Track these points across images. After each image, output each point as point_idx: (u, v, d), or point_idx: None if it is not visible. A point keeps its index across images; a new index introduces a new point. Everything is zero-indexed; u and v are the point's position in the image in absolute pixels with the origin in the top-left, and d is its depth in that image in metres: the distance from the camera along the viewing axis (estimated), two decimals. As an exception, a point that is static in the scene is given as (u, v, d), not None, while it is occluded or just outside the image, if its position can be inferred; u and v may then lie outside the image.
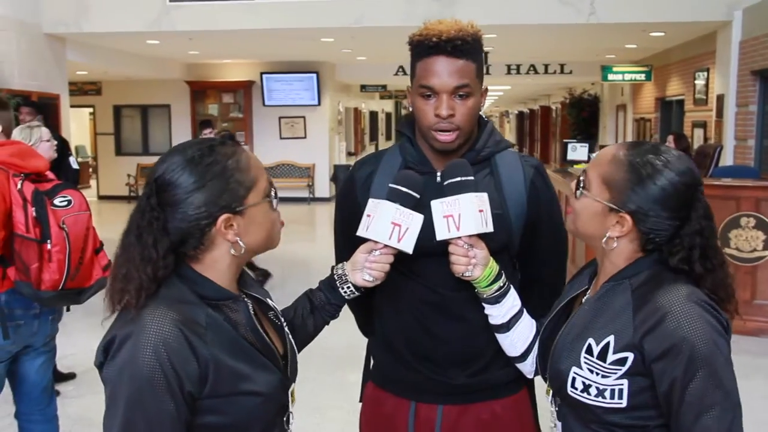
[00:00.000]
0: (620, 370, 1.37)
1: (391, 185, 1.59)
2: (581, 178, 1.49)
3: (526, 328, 1.67)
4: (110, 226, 6.16)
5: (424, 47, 1.65)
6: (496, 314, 1.65)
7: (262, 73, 14.81)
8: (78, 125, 16.87)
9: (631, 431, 1.40)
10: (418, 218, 1.56)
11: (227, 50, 13.05)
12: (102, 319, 1.36)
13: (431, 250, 1.62)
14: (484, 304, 1.65)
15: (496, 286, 1.61)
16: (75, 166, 6.58)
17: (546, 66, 15.29)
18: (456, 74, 1.63)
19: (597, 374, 1.39)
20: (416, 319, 1.75)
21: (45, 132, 4.05)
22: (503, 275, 1.63)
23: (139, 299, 1.28)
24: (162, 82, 14.89)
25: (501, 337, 1.68)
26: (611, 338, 1.38)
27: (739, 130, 8.81)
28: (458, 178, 1.57)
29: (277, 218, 1.46)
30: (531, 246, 1.78)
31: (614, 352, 1.37)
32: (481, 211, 1.55)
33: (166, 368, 1.23)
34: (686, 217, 1.39)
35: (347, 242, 1.76)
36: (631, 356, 1.36)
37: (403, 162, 1.77)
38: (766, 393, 4.47)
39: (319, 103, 14.95)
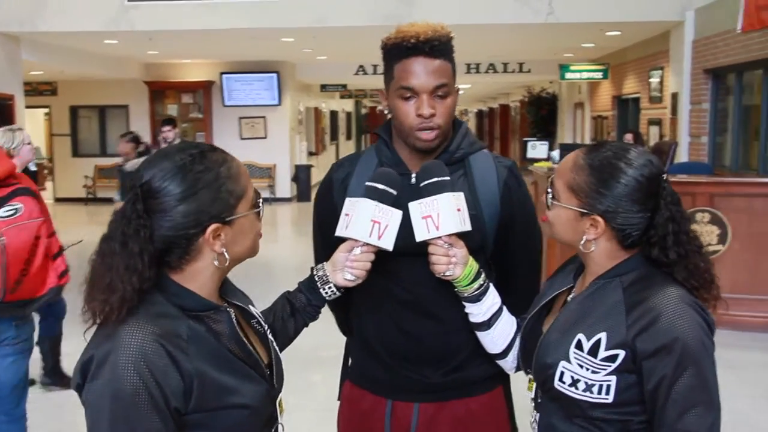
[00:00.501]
0: (610, 366, 1.40)
1: (368, 183, 1.60)
2: (549, 189, 1.53)
3: (507, 325, 1.68)
4: (68, 229, 6.05)
5: (401, 49, 1.66)
6: (477, 312, 1.66)
7: (221, 73, 14.70)
8: (33, 126, 16.50)
9: (613, 426, 1.43)
10: (397, 214, 1.56)
11: (187, 50, 12.92)
12: (84, 329, 1.28)
13: (407, 251, 1.63)
14: (464, 303, 1.66)
15: (476, 285, 1.62)
16: (33, 168, 6.47)
17: (505, 65, 15.44)
18: (435, 74, 1.65)
19: (587, 369, 1.41)
20: (392, 318, 1.76)
21: (27, 135, 4.04)
22: (482, 274, 1.65)
23: (120, 312, 1.23)
24: (120, 82, 14.65)
25: (482, 335, 1.70)
26: (603, 335, 1.41)
27: (693, 127, 9.03)
28: (435, 179, 1.58)
29: (260, 228, 1.43)
30: (505, 245, 1.79)
31: (606, 349, 1.40)
32: (458, 210, 1.56)
33: (150, 385, 1.18)
34: (655, 206, 1.42)
35: (326, 244, 1.77)
36: (622, 353, 1.39)
37: (379, 164, 1.77)
38: (723, 383, 4.59)
39: (280, 103, 14.89)
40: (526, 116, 19.67)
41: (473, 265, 1.62)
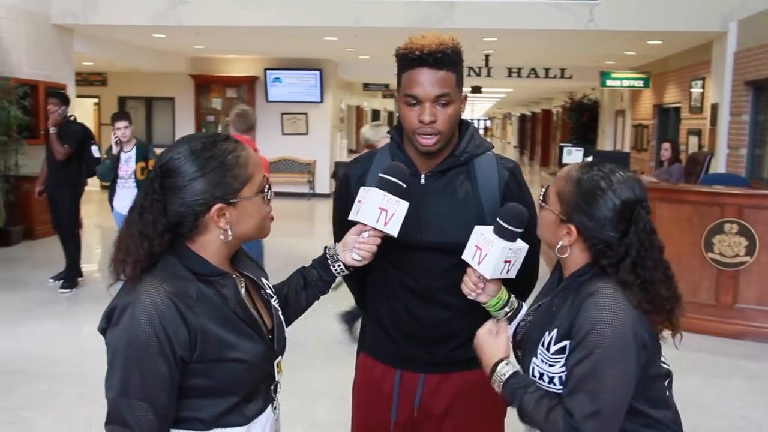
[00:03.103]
0: (562, 358, 1.51)
1: (380, 175, 1.77)
2: (543, 191, 1.67)
3: None
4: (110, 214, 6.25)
5: (408, 60, 1.82)
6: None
7: (265, 69, 14.95)
8: (83, 115, 16.92)
9: None
10: (403, 205, 1.72)
11: (232, 45, 13.21)
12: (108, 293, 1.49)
13: (417, 245, 1.81)
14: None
15: (502, 313, 1.78)
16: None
17: (547, 70, 15.44)
18: (437, 84, 1.80)
19: (545, 363, 1.55)
20: (403, 304, 1.95)
21: (385, 130, 4.83)
22: (511, 302, 1.79)
23: (135, 270, 1.43)
24: (167, 75, 15.04)
25: None
26: (555, 331, 1.54)
27: (732, 138, 8.97)
28: (512, 228, 1.70)
29: (269, 212, 1.60)
30: None
31: (555, 342, 1.53)
32: (507, 261, 1.70)
33: (160, 334, 1.37)
34: (626, 230, 1.52)
35: (343, 232, 1.92)
36: (567, 344, 1.50)
37: None
38: (741, 392, 4.65)
39: (322, 101, 15.08)
40: (567, 122, 19.60)
41: (502, 296, 1.77)
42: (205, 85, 15.34)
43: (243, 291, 1.59)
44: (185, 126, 15.07)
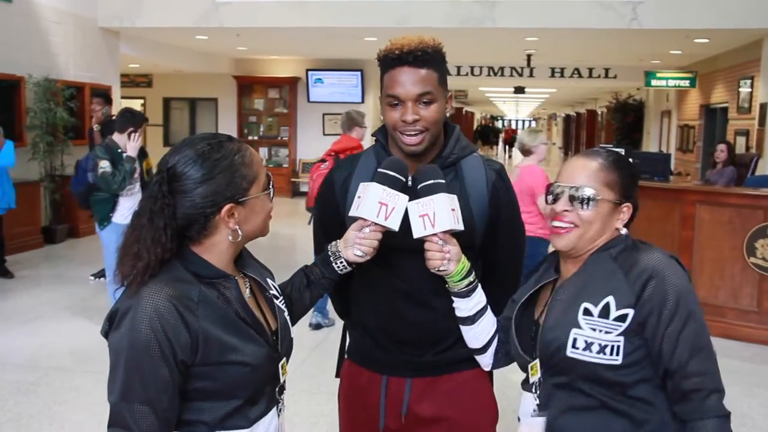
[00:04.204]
0: (621, 326, 1.56)
1: (379, 170, 1.75)
2: (579, 194, 1.65)
3: (489, 323, 1.83)
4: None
5: (388, 60, 1.80)
6: (464, 307, 1.80)
7: (307, 70, 15.05)
8: (129, 116, 17.41)
9: (615, 389, 1.60)
10: (403, 198, 1.71)
11: (273, 46, 13.33)
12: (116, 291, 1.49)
13: (404, 247, 1.79)
14: (453, 298, 1.80)
15: (466, 282, 1.77)
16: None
17: (590, 70, 15.20)
18: (419, 83, 1.77)
19: (600, 331, 1.57)
20: (389, 306, 1.92)
21: (544, 137, 5.01)
22: (473, 272, 1.79)
23: (144, 276, 1.42)
24: (210, 76, 15.25)
25: (465, 330, 1.84)
26: (610, 298, 1.58)
27: (780, 139, 8.72)
28: (431, 181, 1.72)
29: (272, 209, 1.61)
30: (493, 242, 1.93)
31: (617, 309, 1.57)
32: (452, 210, 1.70)
33: (161, 338, 1.37)
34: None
35: (326, 236, 1.95)
36: (631, 312, 1.56)
37: (377, 166, 1.88)
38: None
39: (363, 101, 15.10)
40: (611, 122, 19.30)
41: (465, 263, 1.76)
42: (247, 85, 15.53)
43: (247, 292, 1.59)
44: (228, 126, 15.26)
